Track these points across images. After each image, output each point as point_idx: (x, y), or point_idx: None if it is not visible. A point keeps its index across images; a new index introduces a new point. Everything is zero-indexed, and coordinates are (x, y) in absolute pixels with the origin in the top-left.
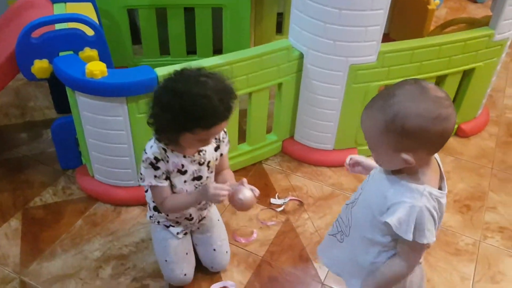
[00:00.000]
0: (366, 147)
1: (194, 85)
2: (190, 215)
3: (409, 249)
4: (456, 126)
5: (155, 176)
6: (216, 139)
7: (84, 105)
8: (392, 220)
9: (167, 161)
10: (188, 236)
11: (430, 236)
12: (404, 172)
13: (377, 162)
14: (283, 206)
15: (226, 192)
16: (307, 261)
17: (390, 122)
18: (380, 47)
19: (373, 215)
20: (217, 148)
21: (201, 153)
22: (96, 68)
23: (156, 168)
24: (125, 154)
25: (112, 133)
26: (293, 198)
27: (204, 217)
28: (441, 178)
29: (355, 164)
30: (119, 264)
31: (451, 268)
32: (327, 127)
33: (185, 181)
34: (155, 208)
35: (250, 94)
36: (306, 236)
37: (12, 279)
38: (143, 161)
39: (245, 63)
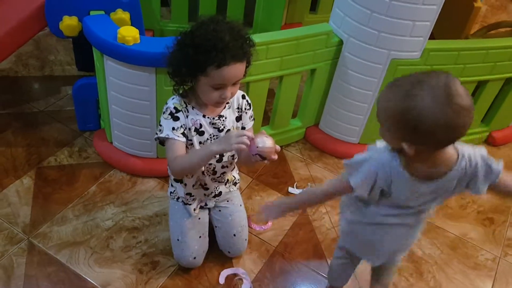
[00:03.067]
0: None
1: (207, 23)
2: (205, 184)
3: None
4: (487, 134)
5: (173, 128)
6: (237, 108)
7: (111, 70)
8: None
9: (187, 116)
10: (205, 219)
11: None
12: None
13: (381, 135)
14: None
15: (248, 141)
16: (321, 258)
17: (406, 113)
18: (426, 44)
19: None
20: (238, 119)
21: (221, 118)
22: (128, 34)
23: (175, 118)
24: (147, 125)
25: (137, 103)
26: None
27: (221, 193)
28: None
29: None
30: (131, 236)
31: (468, 282)
32: (355, 120)
33: (200, 143)
34: (176, 180)
35: (280, 77)
36: (322, 231)
37: (20, 239)
38: (163, 112)
39: (282, 44)
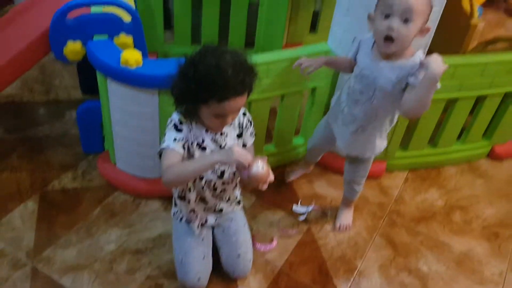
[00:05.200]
0: (396, 162)
1: (210, 56)
2: (205, 198)
3: None
4: (489, 148)
5: (175, 139)
6: (239, 125)
7: (114, 93)
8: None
9: (190, 130)
10: (209, 240)
11: None
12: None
13: (399, 38)
14: (305, 215)
15: (246, 163)
16: (326, 276)
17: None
18: None
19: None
20: (239, 136)
21: (222, 135)
22: (131, 57)
23: (178, 130)
24: (150, 146)
25: (140, 124)
26: (316, 207)
27: (222, 210)
28: None
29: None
30: (135, 259)
31: None
32: None
33: None
34: (180, 197)
35: (282, 96)
36: (327, 249)
37: (23, 265)
38: (167, 124)
39: (282, 64)
